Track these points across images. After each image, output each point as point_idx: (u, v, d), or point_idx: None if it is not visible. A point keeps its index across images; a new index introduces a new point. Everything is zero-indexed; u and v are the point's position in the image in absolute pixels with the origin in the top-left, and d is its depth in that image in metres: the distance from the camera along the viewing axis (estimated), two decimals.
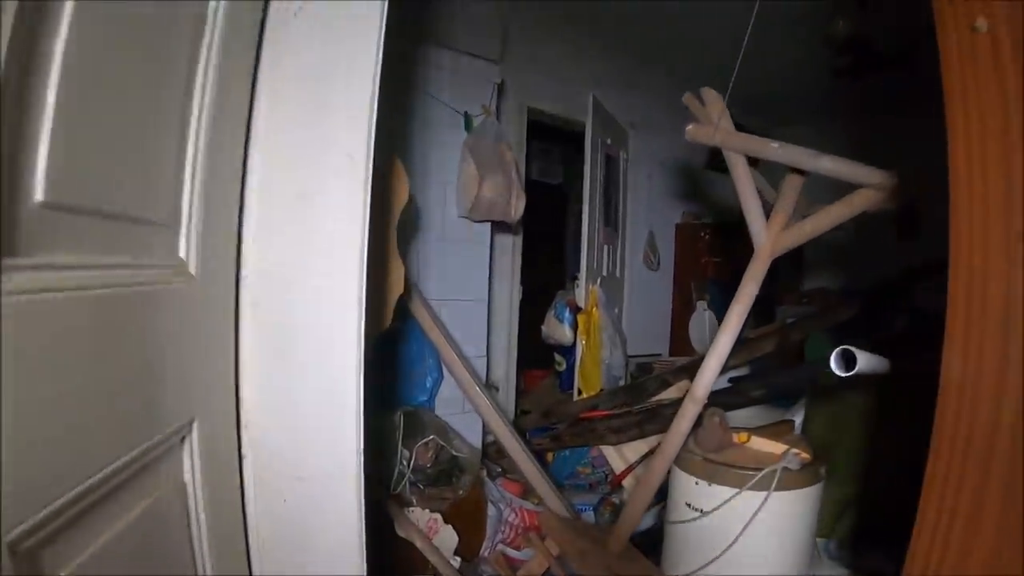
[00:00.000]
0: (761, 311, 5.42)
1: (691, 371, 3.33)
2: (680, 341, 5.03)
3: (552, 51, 4.28)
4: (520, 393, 4.48)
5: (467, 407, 3.17)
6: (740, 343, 4.76)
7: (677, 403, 2.71)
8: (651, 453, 2.85)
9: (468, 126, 3.18)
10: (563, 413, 3.71)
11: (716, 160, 5.86)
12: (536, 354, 4.57)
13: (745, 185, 2.07)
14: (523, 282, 4.22)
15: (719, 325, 4.60)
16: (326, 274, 1.30)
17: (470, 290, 3.15)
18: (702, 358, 3.63)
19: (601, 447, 3.01)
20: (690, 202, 5.35)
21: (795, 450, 1.99)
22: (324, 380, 1.32)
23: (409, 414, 2.60)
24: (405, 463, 2.51)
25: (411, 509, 2.47)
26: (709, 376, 1.96)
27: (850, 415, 2.33)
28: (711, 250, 5.08)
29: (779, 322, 5.27)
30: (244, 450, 1.30)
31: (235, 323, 1.25)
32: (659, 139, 5.04)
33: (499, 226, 3.33)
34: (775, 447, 2.06)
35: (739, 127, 5.63)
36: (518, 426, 3.98)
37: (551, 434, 3.25)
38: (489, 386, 3.48)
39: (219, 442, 1.21)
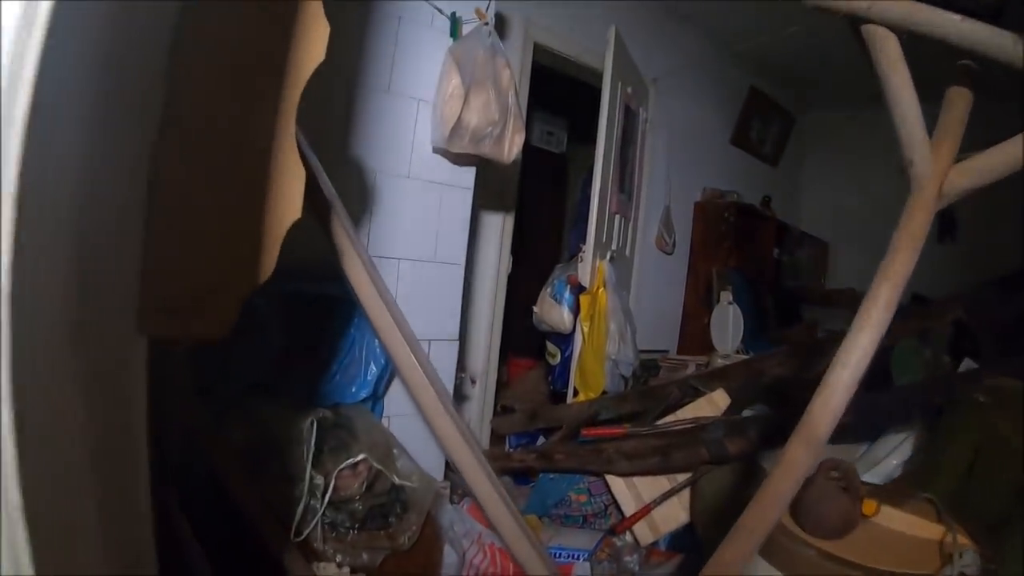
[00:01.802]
0: (785, 310, 4.54)
1: (728, 378, 2.42)
2: (691, 337, 4.12)
3: None
4: (502, 385, 3.57)
5: None
6: (774, 344, 3.86)
7: (724, 427, 1.80)
8: (675, 491, 1.94)
9: (455, 32, 2.24)
10: (554, 418, 2.81)
11: (743, 136, 4.99)
12: (525, 338, 3.66)
13: (900, 80, 1.15)
14: (514, 254, 3.30)
15: (743, 322, 3.71)
16: None
17: (442, 249, 2.22)
18: (746, 363, 2.69)
19: (606, 476, 2.10)
20: (713, 177, 4.42)
21: (964, 540, 1.08)
22: None
23: (330, 420, 1.67)
24: (318, 494, 1.59)
25: (322, 565, 1.55)
26: (837, 403, 1.04)
27: (1012, 463, 1.43)
28: (736, 235, 4.16)
29: (807, 322, 4.39)
30: None
31: None
32: (683, 101, 4.12)
33: (488, 169, 2.40)
34: (926, 527, 1.15)
35: (766, 99, 4.65)
36: (495, 427, 3.08)
37: (539, 450, 2.34)
38: (461, 381, 2.56)
39: None
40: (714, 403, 2.23)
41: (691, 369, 3.59)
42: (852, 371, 1.05)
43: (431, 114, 2.13)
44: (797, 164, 5.54)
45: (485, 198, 2.96)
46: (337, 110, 2.00)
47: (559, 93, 4.18)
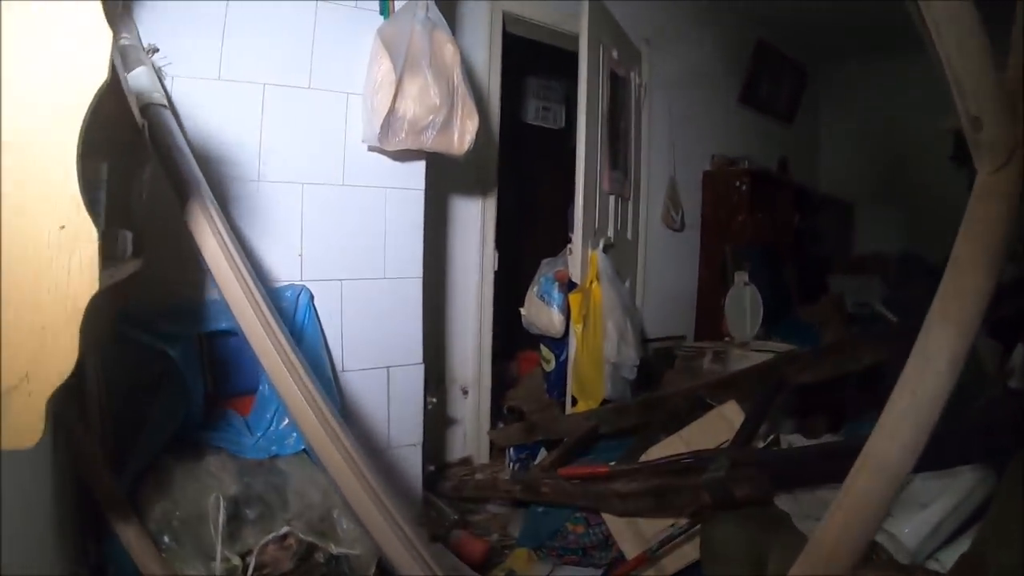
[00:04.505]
0: (809, 282, 4.12)
1: (742, 386, 2.07)
2: (708, 322, 3.74)
3: None
4: (511, 384, 3.28)
5: (397, 442, 1.97)
6: (797, 325, 3.44)
7: (727, 464, 1.47)
8: (674, 538, 1.61)
9: (385, 11, 1.91)
10: (552, 431, 2.50)
11: (753, 93, 4.54)
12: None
13: None
14: (512, 252, 2.98)
15: (763, 303, 3.32)
16: None
17: (392, 263, 1.91)
18: (765, 367, 2.18)
19: (603, 514, 1.79)
20: (723, 142, 4.01)
21: None
22: None
23: (252, 480, 1.39)
24: (239, 574, 1.31)
25: None
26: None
27: None
28: (751, 204, 3.74)
29: (833, 295, 3.96)
30: None
31: None
32: (682, 61, 3.70)
33: (450, 166, 2.08)
34: None
35: (776, 51, 4.14)
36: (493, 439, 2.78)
37: (524, 481, 2.03)
38: (432, 406, 2.26)
39: None
40: (726, 419, 1.89)
41: (708, 358, 3.25)
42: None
43: (362, 110, 1.81)
44: (813, 121, 5.06)
45: (460, 189, 2.63)
46: (246, 117, 1.70)
47: (552, 65, 3.80)
